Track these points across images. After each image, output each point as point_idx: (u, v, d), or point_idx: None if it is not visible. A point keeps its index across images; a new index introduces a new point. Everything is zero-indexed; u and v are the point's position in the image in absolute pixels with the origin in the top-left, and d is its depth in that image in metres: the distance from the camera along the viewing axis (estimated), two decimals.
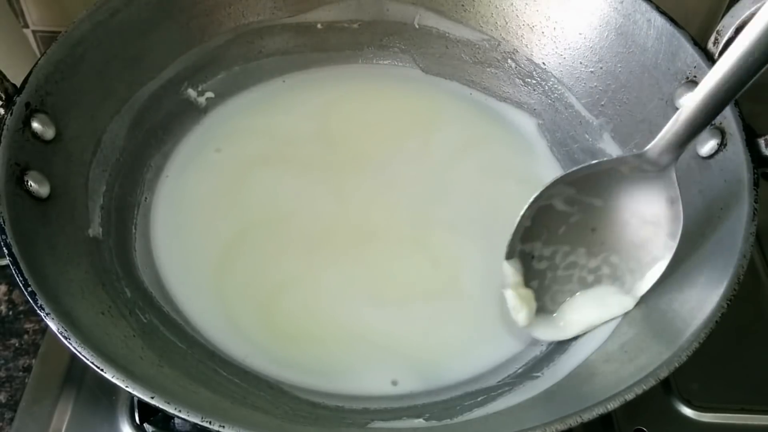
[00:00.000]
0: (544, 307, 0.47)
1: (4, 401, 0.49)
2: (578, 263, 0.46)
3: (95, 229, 0.47)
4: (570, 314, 0.46)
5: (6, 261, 0.37)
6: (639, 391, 0.34)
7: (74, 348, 0.34)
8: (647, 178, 0.43)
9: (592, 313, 0.46)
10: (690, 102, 0.38)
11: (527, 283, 0.46)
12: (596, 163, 0.44)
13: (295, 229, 0.53)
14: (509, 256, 0.46)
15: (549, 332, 0.47)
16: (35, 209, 0.42)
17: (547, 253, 0.46)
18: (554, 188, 0.44)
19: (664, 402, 0.50)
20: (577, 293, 0.47)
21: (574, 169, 0.44)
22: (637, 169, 0.43)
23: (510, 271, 0.46)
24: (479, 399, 0.44)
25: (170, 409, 0.33)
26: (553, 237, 0.46)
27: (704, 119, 0.38)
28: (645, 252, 0.45)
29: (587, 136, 0.57)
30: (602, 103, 0.56)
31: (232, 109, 0.61)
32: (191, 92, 0.59)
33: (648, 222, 0.44)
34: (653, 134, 0.50)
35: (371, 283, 0.50)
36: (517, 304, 0.45)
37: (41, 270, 0.38)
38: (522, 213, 0.45)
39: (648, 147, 0.41)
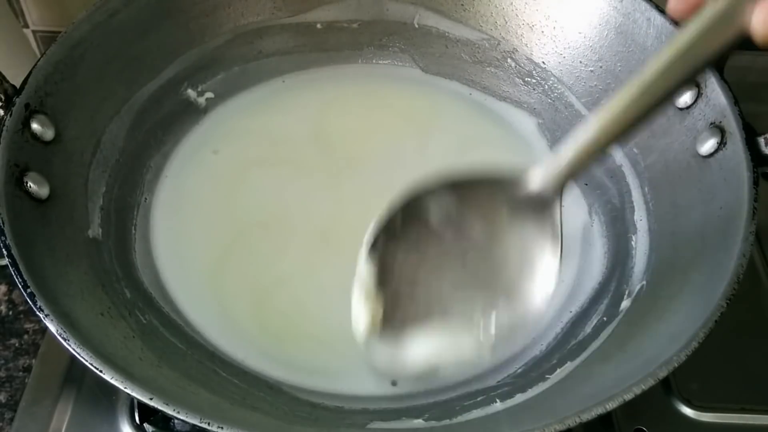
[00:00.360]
0: (389, 326, 0.39)
1: (4, 401, 0.49)
2: (441, 291, 0.40)
3: (95, 230, 0.47)
4: (415, 347, 0.39)
5: (5, 262, 0.37)
6: (638, 390, 0.34)
7: (73, 349, 0.34)
8: (529, 210, 0.38)
9: (441, 352, 0.39)
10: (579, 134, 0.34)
11: (379, 290, 0.39)
12: (482, 171, 0.39)
13: (295, 229, 0.53)
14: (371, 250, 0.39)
15: (385, 359, 0.40)
16: (35, 210, 0.42)
17: (410, 266, 0.40)
18: (435, 192, 0.39)
19: (664, 402, 0.50)
20: (429, 324, 0.39)
21: (459, 171, 0.39)
22: (519, 198, 0.38)
23: (366, 271, 0.39)
24: (479, 399, 0.44)
25: (169, 411, 0.33)
26: (419, 249, 0.40)
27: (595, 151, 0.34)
28: (518, 303, 0.38)
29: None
30: (602, 102, 0.56)
31: (232, 110, 0.61)
32: (191, 92, 0.59)
33: (524, 267, 0.38)
34: (653, 134, 0.51)
35: None
36: (362, 313, 0.39)
37: (40, 271, 0.38)
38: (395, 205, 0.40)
39: (531, 172, 0.38)
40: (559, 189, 0.37)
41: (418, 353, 0.39)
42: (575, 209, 0.55)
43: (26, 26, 0.70)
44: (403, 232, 0.39)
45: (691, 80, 0.33)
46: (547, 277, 0.38)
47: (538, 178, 0.37)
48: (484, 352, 0.39)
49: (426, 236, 0.40)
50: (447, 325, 0.39)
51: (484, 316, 0.39)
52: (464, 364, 0.39)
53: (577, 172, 0.36)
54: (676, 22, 0.49)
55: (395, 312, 0.39)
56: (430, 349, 0.39)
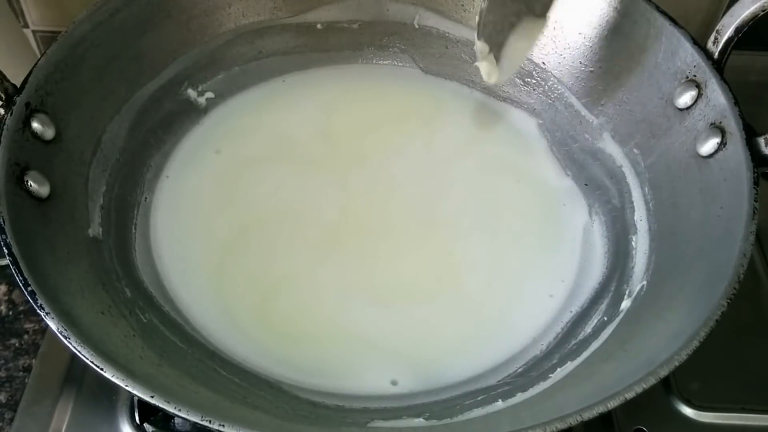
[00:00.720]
0: (496, 58, 0.52)
1: (4, 401, 0.49)
2: (506, 13, 0.50)
3: (95, 229, 0.47)
4: (509, 55, 0.52)
5: (6, 261, 0.37)
6: (639, 389, 0.34)
7: (74, 347, 0.34)
8: None
9: (523, 44, 0.52)
10: None
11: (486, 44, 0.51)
12: None
13: (295, 228, 0.53)
14: (480, 35, 0.50)
15: (505, 74, 0.53)
16: (35, 209, 0.42)
17: (491, 18, 0.50)
18: None
19: (664, 401, 0.50)
20: (510, 36, 0.51)
21: None
22: None
23: (481, 46, 0.51)
24: (479, 398, 0.44)
25: (170, 408, 0.33)
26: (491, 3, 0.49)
27: None
28: None
29: (587, 136, 0.57)
30: (602, 102, 0.56)
31: (232, 109, 0.61)
32: (191, 92, 0.59)
33: None
34: (653, 134, 0.51)
35: (371, 282, 0.50)
36: (489, 69, 0.52)
37: (41, 270, 0.38)
38: None
39: None
40: None
41: (515, 57, 0.52)
42: (575, 209, 0.56)
43: (26, 26, 0.70)
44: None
45: None
46: None
47: None
48: (541, 24, 0.51)
49: None
50: (517, 29, 0.51)
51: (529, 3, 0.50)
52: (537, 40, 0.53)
53: None
54: (676, 23, 0.49)
55: (494, 48, 0.51)
56: (518, 49, 0.52)
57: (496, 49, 0.51)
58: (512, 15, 0.50)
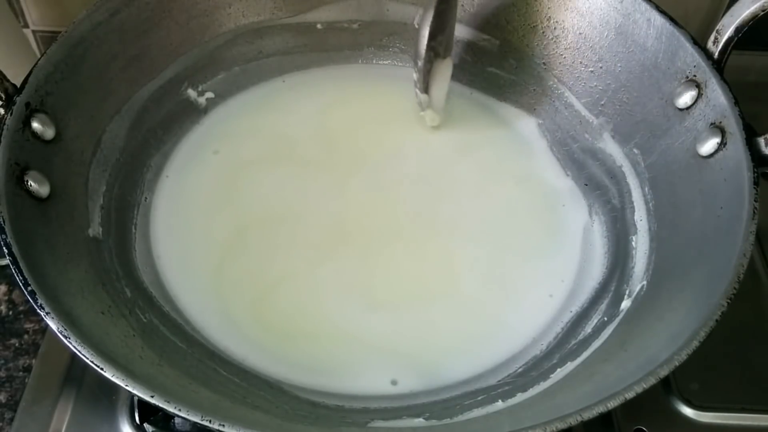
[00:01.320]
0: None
1: (4, 401, 0.49)
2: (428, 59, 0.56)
3: (95, 229, 0.47)
4: (436, 93, 0.59)
5: (6, 261, 0.37)
6: (639, 389, 0.34)
7: (74, 347, 0.34)
8: None
9: (441, 84, 0.58)
10: None
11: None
12: None
13: (295, 228, 0.53)
14: (422, 90, 0.58)
15: (439, 113, 0.59)
16: (35, 209, 0.42)
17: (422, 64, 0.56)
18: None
19: (664, 402, 0.50)
20: (430, 80, 0.58)
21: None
22: None
23: (423, 98, 0.58)
24: (479, 398, 0.44)
25: (170, 408, 0.33)
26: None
27: None
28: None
29: (587, 136, 0.57)
30: (602, 102, 0.56)
31: (232, 110, 0.61)
32: (191, 92, 0.59)
33: None
34: (653, 134, 0.51)
35: (371, 282, 0.50)
36: (433, 115, 0.59)
37: (41, 269, 0.38)
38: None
39: None
40: None
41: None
42: (575, 209, 0.56)
43: (26, 26, 0.70)
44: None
45: None
46: None
47: None
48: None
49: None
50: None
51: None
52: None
53: None
54: (676, 23, 0.49)
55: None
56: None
57: (427, 95, 0.58)
58: (428, 62, 0.56)
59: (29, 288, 0.36)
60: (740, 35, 0.45)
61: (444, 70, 0.58)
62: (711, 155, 0.45)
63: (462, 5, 0.61)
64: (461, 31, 0.62)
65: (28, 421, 0.48)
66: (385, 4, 0.62)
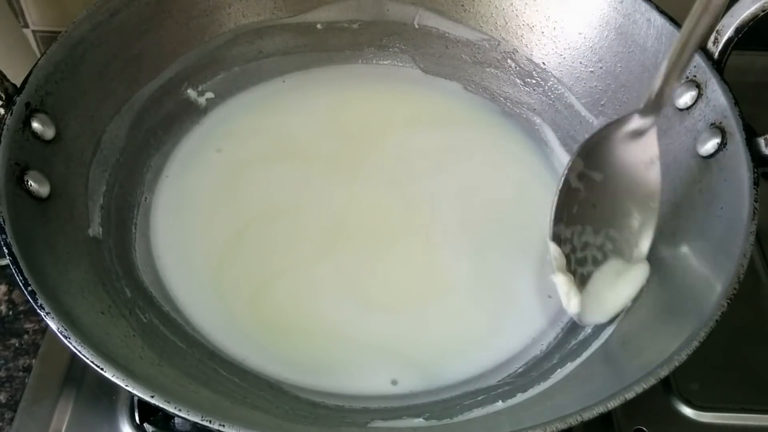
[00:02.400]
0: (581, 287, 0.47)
1: (4, 401, 0.49)
2: (588, 242, 0.47)
3: (95, 229, 0.47)
4: (599, 294, 0.46)
5: (6, 261, 0.37)
6: (639, 389, 0.34)
7: (74, 347, 0.34)
8: (632, 142, 0.45)
9: (620, 288, 0.46)
10: (664, 60, 0.42)
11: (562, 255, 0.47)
12: (598, 131, 0.46)
13: (294, 229, 0.53)
14: (555, 237, 0.46)
15: (595, 315, 0.46)
16: (35, 209, 0.42)
17: (568, 235, 0.47)
18: (573, 162, 0.46)
19: (664, 402, 0.50)
20: (594, 273, 0.47)
21: (585, 140, 0.47)
22: (626, 133, 0.45)
23: (557, 253, 0.46)
24: (479, 398, 0.44)
25: (170, 408, 0.33)
26: (570, 218, 0.46)
27: (678, 70, 0.42)
28: (634, 219, 0.46)
29: (587, 136, 0.57)
30: (602, 102, 0.56)
31: (232, 110, 0.61)
32: (191, 92, 0.59)
33: (633, 189, 0.46)
34: None
35: (372, 281, 0.50)
36: (569, 289, 0.45)
37: (41, 269, 0.38)
38: (559, 187, 0.46)
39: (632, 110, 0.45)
40: (653, 117, 0.44)
41: (608, 299, 0.46)
42: None
43: (26, 26, 0.70)
44: (559, 211, 0.47)
45: None
46: (651, 192, 0.46)
47: (637, 114, 0.45)
48: (643, 270, 0.46)
49: (572, 197, 0.47)
50: (603, 267, 0.47)
51: (618, 245, 0.47)
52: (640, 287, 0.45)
53: (663, 96, 0.43)
54: (676, 23, 0.49)
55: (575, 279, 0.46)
56: (612, 292, 0.46)
57: (578, 281, 0.47)
58: (595, 248, 0.47)
59: (29, 288, 0.36)
60: (740, 35, 0.45)
61: (625, 275, 0.46)
62: (711, 155, 0.45)
63: (462, 5, 0.61)
64: (461, 32, 0.62)
65: (28, 421, 0.48)
66: (385, 4, 0.62)
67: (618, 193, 0.47)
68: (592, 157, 0.46)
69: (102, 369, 0.34)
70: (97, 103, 0.50)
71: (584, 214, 0.47)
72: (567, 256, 0.46)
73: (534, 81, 0.61)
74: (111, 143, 0.51)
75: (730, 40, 0.46)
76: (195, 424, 0.33)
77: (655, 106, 0.44)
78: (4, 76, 0.43)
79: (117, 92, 0.52)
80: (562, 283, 0.46)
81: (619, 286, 0.46)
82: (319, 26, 0.63)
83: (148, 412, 0.47)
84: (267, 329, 0.48)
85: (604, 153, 0.46)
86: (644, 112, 0.44)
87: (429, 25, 0.63)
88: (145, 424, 0.47)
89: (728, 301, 0.37)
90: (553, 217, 0.46)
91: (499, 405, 0.42)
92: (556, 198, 0.46)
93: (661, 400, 0.50)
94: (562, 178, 0.46)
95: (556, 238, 0.46)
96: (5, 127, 0.41)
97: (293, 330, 0.48)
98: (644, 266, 0.46)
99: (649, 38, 0.51)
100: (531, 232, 0.54)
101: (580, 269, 0.47)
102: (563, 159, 0.58)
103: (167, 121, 0.57)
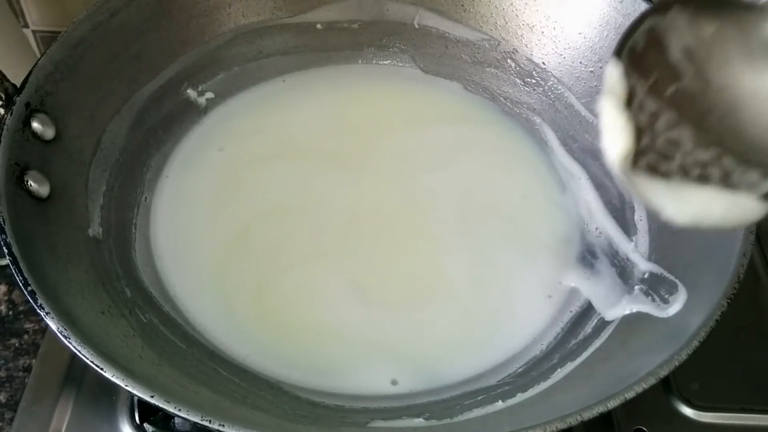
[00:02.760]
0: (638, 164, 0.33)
1: (4, 401, 0.49)
2: (682, 144, 0.33)
3: (95, 229, 0.47)
4: (683, 188, 0.32)
5: (6, 261, 0.37)
6: (639, 389, 0.34)
7: (74, 347, 0.34)
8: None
9: (717, 198, 0.32)
10: None
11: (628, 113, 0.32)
12: None
13: (295, 228, 0.53)
14: (618, 51, 0.32)
15: (668, 202, 0.32)
16: (35, 209, 0.42)
17: (650, 107, 0.32)
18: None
19: (664, 402, 0.50)
20: (675, 179, 0.32)
21: None
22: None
23: (615, 75, 0.32)
24: (479, 398, 0.44)
25: (170, 408, 0.33)
26: (659, 89, 0.33)
27: None
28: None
29: (587, 136, 0.57)
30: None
31: (232, 109, 0.61)
32: (191, 92, 0.59)
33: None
34: None
35: (372, 281, 0.50)
36: (617, 124, 0.32)
37: (41, 269, 0.38)
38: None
39: None
40: None
41: (693, 200, 0.32)
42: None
43: (26, 26, 0.70)
44: (644, 62, 0.33)
45: None
46: None
47: None
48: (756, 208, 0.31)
49: (667, 68, 0.33)
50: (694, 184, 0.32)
51: (732, 180, 0.32)
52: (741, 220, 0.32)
53: None
54: None
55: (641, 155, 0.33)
56: (701, 201, 0.32)
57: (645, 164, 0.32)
58: (695, 165, 0.32)
59: (29, 288, 0.36)
60: None
61: (736, 206, 0.31)
62: None
63: (462, 5, 0.61)
64: (461, 31, 0.62)
65: (28, 421, 0.48)
66: (385, 4, 0.62)
67: (750, 111, 0.32)
68: (707, 17, 0.32)
69: (102, 369, 0.34)
70: (97, 103, 0.50)
71: (686, 105, 0.33)
72: (639, 128, 0.32)
73: (534, 81, 0.61)
74: (111, 143, 0.51)
75: None
76: (195, 424, 0.33)
77: None
78: (4, 76, 0.43)
79: (117, 92, 0.52)
80: (608, 109, 0.32)
81: (717, 195, 0.31)
82: (319, 26, 0.63)
83: (148, 412, 0.47)
84: (267, 329, 0.48)
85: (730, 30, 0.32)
86: None
87: (429, 25, 0.63)
88: (145, 424, 0.47)
89: (728, 301, 0.37)
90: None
91: (499, 405, 0.42)
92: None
93: (661, 400, 0.50)
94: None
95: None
96: (5, 127, 0.42)
97: (293, 329, 0.48)
98: (761, 204, 0.31)
99: None
100: (531, 231, 0.54)
101: (654, 158, 0.33)
102: (563, 159, 0.58)
103: (167, 121, 0.57)
